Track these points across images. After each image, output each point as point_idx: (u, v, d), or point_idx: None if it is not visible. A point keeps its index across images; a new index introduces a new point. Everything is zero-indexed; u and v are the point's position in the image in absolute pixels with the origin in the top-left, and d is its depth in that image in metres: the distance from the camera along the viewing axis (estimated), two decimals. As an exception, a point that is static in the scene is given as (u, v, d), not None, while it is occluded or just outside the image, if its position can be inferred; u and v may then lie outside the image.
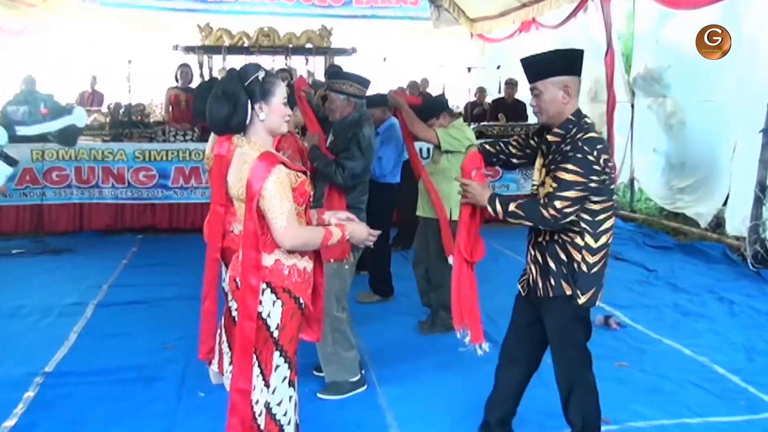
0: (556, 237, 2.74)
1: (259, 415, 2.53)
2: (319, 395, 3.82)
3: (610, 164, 2.66)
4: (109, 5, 11.11)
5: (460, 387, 3.86)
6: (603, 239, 2.71)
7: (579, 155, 2.59)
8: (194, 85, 8.61)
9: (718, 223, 7.28)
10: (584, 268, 2.71)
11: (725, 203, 7.06)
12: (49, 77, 10.54)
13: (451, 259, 4.35)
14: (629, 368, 4.20)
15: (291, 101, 2.97)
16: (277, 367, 2.53)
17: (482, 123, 9.41)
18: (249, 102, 2.46)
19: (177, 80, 8.69)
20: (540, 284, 2.80)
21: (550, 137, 2.74)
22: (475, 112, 10.45)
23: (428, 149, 7.29)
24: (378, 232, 2.73)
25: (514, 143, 2.99)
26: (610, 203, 2.72)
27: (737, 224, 6.69)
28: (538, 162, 2.82)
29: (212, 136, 3.73)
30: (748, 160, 6.41)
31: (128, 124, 8.58)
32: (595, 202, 2.67)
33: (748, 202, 6.41)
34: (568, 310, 2.76)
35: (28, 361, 4.20)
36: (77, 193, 7.77)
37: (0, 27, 9.84)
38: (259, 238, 2.47)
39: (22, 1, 10.03)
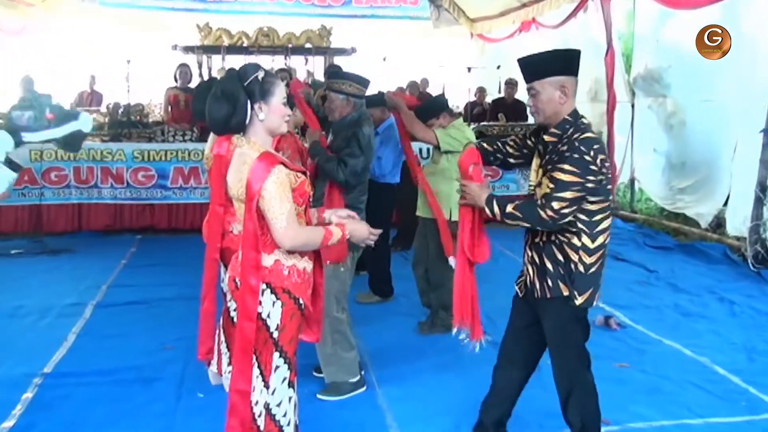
0: (553, 237, 2.73)
1: (259, 416, 2.52)
2: (319, 396, 3.81)
3: (606, 164, 2.65)
4: (108, 5, 11.09)
5: (459, 387, 3.86)
6: (600, 240, 2.71)
7: (576, 155, 2.59)
8: (193, 85, 8.59)
9: (718, 223, 7.27)
10: (581, 268, 2.71)
11: (726, 203, 7.05)
12: (48, 77, 10.54)
13: (451, 260, 4.36)
14: (629, 369, 4.19)
15: (290, 101, 2.96)
16: (277, 367, 2.52)
17: (482, 123, 9.40)
18: (248, 102, 2.45)
19: (176, 80, 8.67)
20: (537, 285, 2.80)
21: (546, 137, 2.74)
22: (475, 112, 10.44)
23: (428, 149, 7.28)
24: (379, 231, 2.72)
25: (512, 143, 2.98)
26: (607, 203, 2.72)
27: (738, 224, 6.68)
28: (535, 162, 2.82)
29: (211, 136, 3.72)
30: (749, 160, 6.41)
31: (127, 124, 8.57)
32: (592, 203, 2.66)
33: (749, 202, 6.41)
34: (566, 310, 2.75)
35: (26, 361, 4.18)
36: (76, 193, 7.75)
37: (-1, 27, 9.84)
38: (259, 238, 2.46)
39: (20, 1, 10.02)
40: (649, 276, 6.33)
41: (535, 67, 2.73)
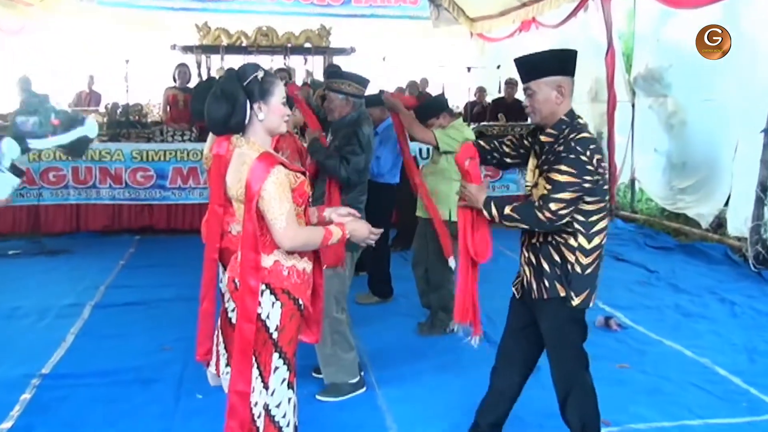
0: (549, 238, 2.73)
1: (258, 417, 2.52)
2: (318, 397, 3.80)
3: (603, 164, 2.66)
4: (107, 4, 11.07)
5: (459, 388, 3.85)
6: (596, 240, 2.70)
7: (572, 156, 2.59)
8: (192, 85, 8.58)
9: (719, 223, 7.26)
10: (578, 269, 2.70)
11: (726, 204, 7.03)
12: (46, 77, 10.52)
13: (451, 261, 4.35)
14: (630, 369, 4.18)
15: (289, 101, 2.95)
16: (276, 368, 2.52)
17: (482, 123, 9.39)
18: (248, 102, 2.44)
19: (175, 80, 8.65)
20: (534, 286, 2.79)
21: (543, 138, 2.74)
22: (475, 111, 10.43)
23: (427, 149, 7.27)
24: (380, 231, 2.71)
25: (508, 143, 2.98)
26: (603, 204, 2.71)
27: (739, 225, 6.67)
28: (531, 163, 2.82)
29: (210, 136, 3.71)
30: (750, 160, 6.39)
31: (126, 124, 8.54)
32: (589, 203, 2.66)
33: (750, 202, 6.39)
34: (563, 311, 2.75)
35: (24, 362, 4.17)
36: (74, 193, 7.73)
37: (-3, 26, 9.83)
38: (258, 239, 2.46)
39: (19, 1, 10.00)
40: (649, 276, 6.32)
41: (532, 67, 2.73)
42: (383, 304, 5.54)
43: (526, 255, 2.84)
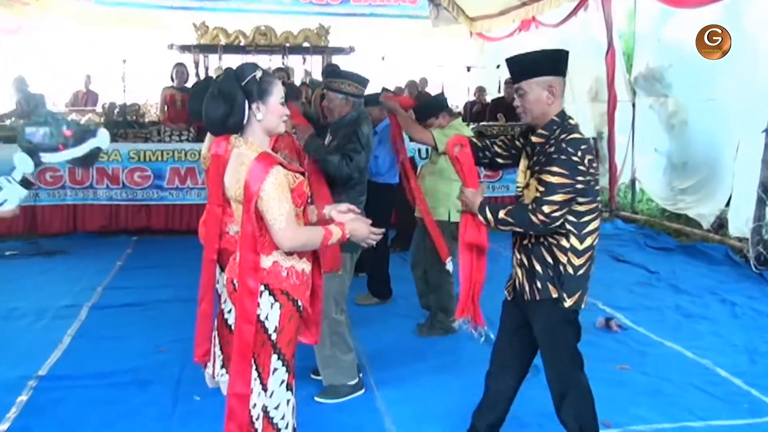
0: (541, 239, 2.72)
1: (257, 419, 2.51)
2: (317, 399, 3.78)
3: (594, 164, 2.66)
4: (104, 4, 11.07)
5: (458, 390, 3.82)
6: (588, 241, 2.70)
7: (563, 157, 2.58)
8: (190, 84, 8.56)
9: (720, 224, 7.24)
10: (570, 270, 2.70)
11: (728, 204, 7.02)
12: (43, 77, 10.50)
13: (449, 265, 4.32)
14: (630, 371, 4.17)
15: (288, 101, 2.92)
16: (275, 370, 2.51)
17: (482, 123, 9.37)
18: (246, 102, 2.43)
19: (172, 80, 8.63)
20: (527, 288, 2.78)
21: (534, 138, 2.73)
22: (475, 111, 10.41)
23: (426, 150, 7.25)
24: (381, 230, 2.69)
25: (500, 143, 2.98)
26: (595, 204, 2.71)
27: (740, 225, 6.65)
28: (523, 164, 2.81)
29: (208, 136, 3.68)
30: (751, 160, 6.37)
31: (123, 124, 8.52)
32: (581, 204, 2.65)
33: (751, 202, 6.37)
34: (556, 313, 2.74)
35: (21, 364, 4.15)
36: (71, 194, 7.70)
37: (-5, 26, 9.81)
38: (257, 239, 2.45)
39: (16, 0, 9.98)
40: (650, 277, 6.31)
41: (523, 67, 2.74)
42: (382, 305, 5.52)
43: (518, 257, 2.83)
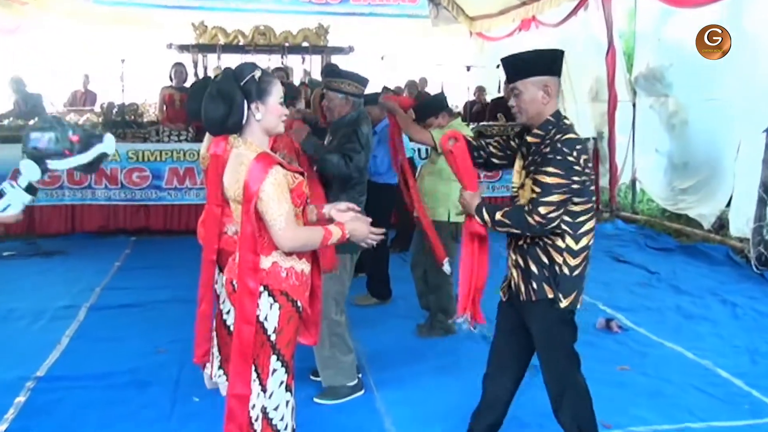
0: (537, 240, 2.72)
1: (256, 420, 2.50)
2: (316, 400, 3.77)
3: (590, 165, 2.66)
4: (103, 3, 11.07)
5: (458, 391, 3.81)
6: (584, 241, 2.69)
7: (558, 157, 2.58)
8: (189, 84, 8.54)
9: (721, 224, 7.23)
10: (566, 270, 2.69)
11: (728, 204, 7.00)
12: (41, 76, 10.49)
13: (446, 266, 4.29)
14: (631, 372, 4.16)
15: (287, 100, 2.91)
16: (274, 371, 2.50)
17: (481, 122, 9.36)
18: (245, 102, 2.42)
19: (171, 79, 8.63)
20: (522, 288, 2.78)
21: (529, 138, 2.73)
22: (474, 111, 10.39)
23: (426, 149, 7.23)
24: (381, 230, 2.68)
25: (495, 143, 2.99)
26: (590, 204, 2.71)
27: (741, 225, 6.64)
28: (518, 164, 2.81)
29: (207, 136, 3.67)
30: (752, 160, 6.35)
31: (121, 123, 8.51)
32: (576, 204, 2.65)
33: (752, 203, 6.35)
34: (551, 313, 2.73)
35: (19, 365, 4.14)
36: (69, 194, 7.67)
37: (-7, 25, 9.80)
38: (257, 240, 2.44)
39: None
40: (650, 278, 6.29)
41: (519, 66, 2.74)
42: (382, 305, 5.51)
43: (514, 257, 2.83)
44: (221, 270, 3.49)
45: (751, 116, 6.47)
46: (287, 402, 2.55)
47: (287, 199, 2.39)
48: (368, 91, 4.06)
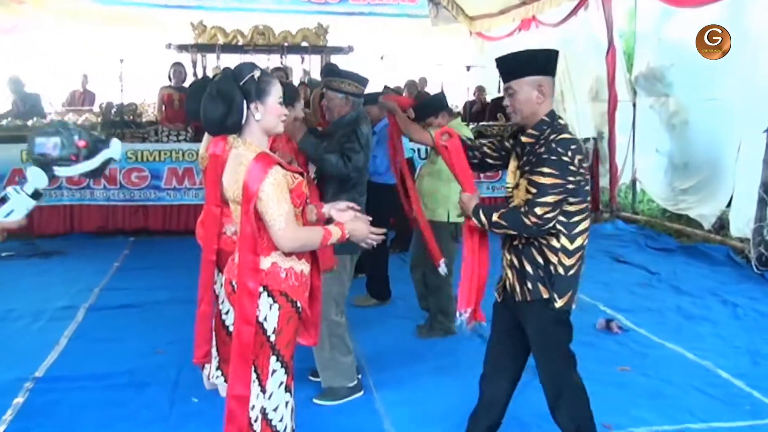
0: (532, 240, 2.72)
1: (255, 420, 2.50)
2: (316, 401, 3.76)
3: (584, 165, 2.67)
4: (101, 2, 11.04)
5: (458, 391, 3.79)
6: (579, 241, 2.69)
7: (554, 157, 2.58)
8: (188, 84, 8.52)
9: (721, 224, 7.23)
10: (561, 270, 2.69)
11: (729, 204, 6.99)
12: (39, 76, 10.48)
13: (441, 267, 4.27)
14: (631, 372, 4.15)
15: (286, 100, 2.89)
16: (274, 372, 2.50)
17: (481, 122, 9.34)
18: (244, 102, 2.41)
19: (170, 79, 8.61)
20: (517, 289, 2.78)
21: (524, 138, 2.74)
22: (474, 111, 10.38)
23: (425, 150, 7.22)
24: (382, 231, 2.67)
25: (489, 144, 3.00)
26: (585, 204, 2.71)
27: (741, 226, 6.63)
28: (512, 164, 2.82)
29: (206, 136, 3.66)
30: (753, 160, 6.34)
31: (120, 123, 8.49)
32: (571, 204, 2.65)
33: (753, 203, 6.34)
34: (547, 313, 2.73)
35: (17, 366, 4.13)
36: (68, 194, 7.65)
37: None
38: (257, 240, 2.43)
39: (12, -2, 9.97)
40: (651, 278, 6.28)
41: (513, 66, 2.74)
42: (381, 306, 5.49)
43: (508, 257, 2.82)
44: (220, 270, 3.48)
45: (751, 116, 6.46)
46: (287, 403, 2.55)
47: (287, 200, 2.39)
48: (368, 90, 4.05)
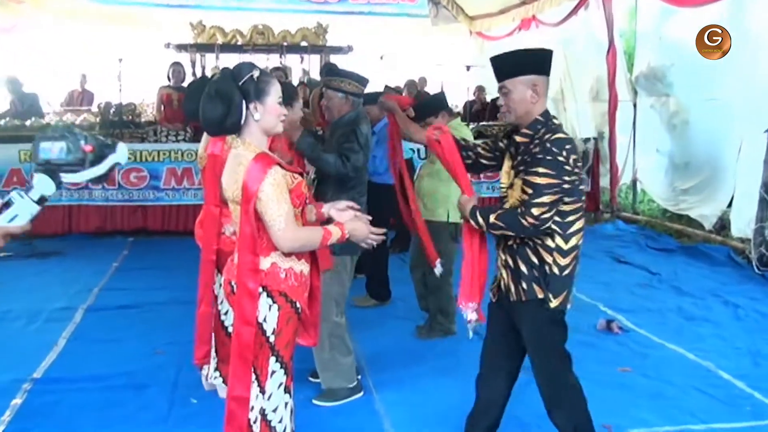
0: (526, 240, 2.72)
1: (254, 421, 2.49)
2: (315, 401, 3.75)
3: (579, 164, 2.67)
4: (100, 2, 11.03)
5: (458, 392, 3.77)
6: (573, 241, 2.69)
7: (549, 157, 2.59)
8: (187, 84, 8.50)
9: (722, 225, 7.22)
10: (555, 270, 2.69)
11: (730, 205, 6.99)
12: (38, 76, 10.46)
13: (437, 268, 4.26)
14: (632, 373, 4.14)
15: (285, 100, 2.88)
16: (273, 372, 2.49)
17: (481, 122, 9.33)
18: (243, 102, 2.40)
19: (169, 79, 8.61)
20: (512, 289, 2.77)
21: (518, 138, 2.74)
22: (474, 110, 10.37)
23: (425, 150, 7.20)
24: (382, 231, 2.66)
25: (483, 145, 3.00)
26: (579, 204, 2.71)
27: (742, 226, 6.63)
28: (507, 164, 2.81)
29: (205, 136, 3.65)
30: (754, 160, 6.33)
31: (119, 123, 8.49)
32: (566, 203, 2.65)
33: (753, 203, 6.33)
34: (542, 313, 2.73)
35: (15, 367, 4.11)
36: (66, 194, 7.62)
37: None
38: (256, 240, 2.42)
39: (11, -2, 9.96)
40: (651, 279, 6.26)
41: (508, 65, 2.75)
42: (381, 307, 5.48)
43: (503, 257, 2.83)
44: (219, 271, 3.47)
45: (752, 116, 6.46)
46: (286, 404, 2.54)
47: (286, 200, 2.38)
48: (368, 90, 4.04)
